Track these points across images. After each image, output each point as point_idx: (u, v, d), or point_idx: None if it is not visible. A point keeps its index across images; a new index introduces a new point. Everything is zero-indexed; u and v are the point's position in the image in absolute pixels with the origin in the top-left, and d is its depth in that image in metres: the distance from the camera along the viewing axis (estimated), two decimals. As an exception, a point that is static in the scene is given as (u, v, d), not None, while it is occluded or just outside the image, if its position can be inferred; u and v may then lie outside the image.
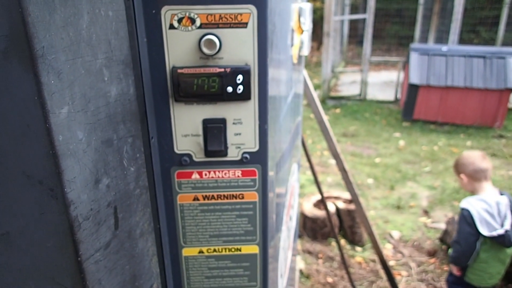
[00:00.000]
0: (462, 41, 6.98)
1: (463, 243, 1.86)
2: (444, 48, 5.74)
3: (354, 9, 9.65)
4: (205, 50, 0.46)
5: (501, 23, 8.12)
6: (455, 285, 2.05)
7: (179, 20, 0.46)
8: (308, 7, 0.89)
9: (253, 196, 0.55)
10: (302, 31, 0.87)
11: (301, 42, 0.89)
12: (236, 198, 0.55)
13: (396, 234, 3.26)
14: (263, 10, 0.47)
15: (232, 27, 0.47)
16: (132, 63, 0.40)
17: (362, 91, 7.05)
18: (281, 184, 0.72)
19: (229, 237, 0.57)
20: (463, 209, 1.85)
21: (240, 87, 0.49)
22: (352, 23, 9.55)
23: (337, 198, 3.31)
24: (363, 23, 7.49)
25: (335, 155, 2.03)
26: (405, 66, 6.26)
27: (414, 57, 5.67)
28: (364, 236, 3.09)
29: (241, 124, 0.51)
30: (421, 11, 8.28)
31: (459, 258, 1.92)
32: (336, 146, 2.00)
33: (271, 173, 0.56)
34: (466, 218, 1.83)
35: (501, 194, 1.91)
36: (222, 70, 0.48)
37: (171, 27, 0.47)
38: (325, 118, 1.92)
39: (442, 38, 7.89)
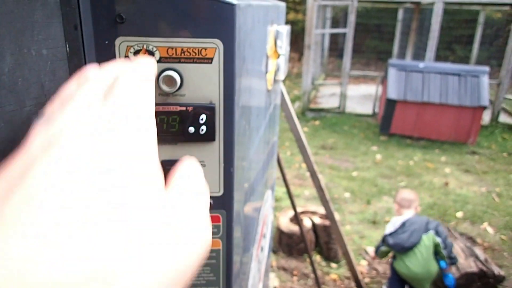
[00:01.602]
0: (438, 57, 7.17)
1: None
2: (421, 64, 5.87)
3: (335, 23, 9.80)
4: (163, 87, 0.41)
5: (475, 42, 8.42)
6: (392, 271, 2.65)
7: (136, 53, 0.41)
8: (285, 30, 0.86)
9: (216, 243, 0.50)
10: (278, 56, 0.83)
11: (277, 66, 0.85)
12: (197, 245, 0.50)
13: (371, 250, 3.25)
14: (230, 45, 0.42)
15: (196, 63, 0.42)
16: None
17: (341, 104, 7.12)
18: (251, 222, 0.67)
19: None
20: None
21: (203, 127, 0.44)
22: (333, 36, 9.69)
23: (313, 213, 3.28)
24: (343, 37, 7.60)
25: (312, 173, 2.00)
26: (383, 80, 6.37)
27: (392, 73, 5.77)
28: (339, 252, 3.07)
29: (204, 167, 0.47)
30: (399, 27, 8.48)
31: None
32: (313, 164, 1.98)
33: (237, 218, 0.51)
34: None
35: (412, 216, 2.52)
36: (183, 108, 0.43)
37: (127, 60, 0.41)
38: (303, 135, 1.89)
39: (419, 54, 8.09)
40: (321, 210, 3.28)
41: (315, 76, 8.11)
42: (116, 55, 0.41)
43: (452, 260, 2.42)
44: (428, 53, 6.38)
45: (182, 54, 0.42)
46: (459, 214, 3.87)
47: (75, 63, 0.37)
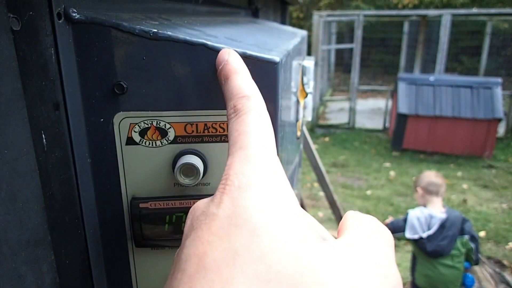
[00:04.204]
0: (446, 69, 7.05)
1: (394, 224, 2.27)
2: (431, 78, 5.75)
3: (340, 38, 9.75)
4: (181, 179, 0.30)
5: (484, 52, 8.29)
6: None
7: (142, 132, 0.30)
8: (311, 64, 0.74)
9: None
10: (305, 95, 0.72)
11: (304, 107, 0.73)
12: None
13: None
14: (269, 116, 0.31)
15: (224, 141, 0.31)
16: (52, 243, 0.23)
17: (350, 120, 7.00)
18: None
19: None
20: (407, 213, 2.26)
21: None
22: (338, 50, 9.63)
23: (330, 238, 3.13)
24: (349, 51, 7.52)
25: (332, 204, 1.87)
26: (393, 94, 6.25)
27: (402, 87, 5.65)
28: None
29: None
30: (405, 40, 8.40)
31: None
32: (333, 194, 1.85)
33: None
34: (404, 217, 2.25)
35: (447, 212, 2.17)
36: (208, 202, 0.31)
37: (130, 142, 0.30)
38: (322, 166, 1.77)
39: (427, 66, 7.98)
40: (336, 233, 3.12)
41: (323, 92, 8.01)
42: (115, 135, 0.30)
43: (477, 262, 2.23)
44: (437, 66, 6.27)
45: (206, 131, 0.30)
46: (482, 234, 3.69)
47: (57, 156, 0.26)
